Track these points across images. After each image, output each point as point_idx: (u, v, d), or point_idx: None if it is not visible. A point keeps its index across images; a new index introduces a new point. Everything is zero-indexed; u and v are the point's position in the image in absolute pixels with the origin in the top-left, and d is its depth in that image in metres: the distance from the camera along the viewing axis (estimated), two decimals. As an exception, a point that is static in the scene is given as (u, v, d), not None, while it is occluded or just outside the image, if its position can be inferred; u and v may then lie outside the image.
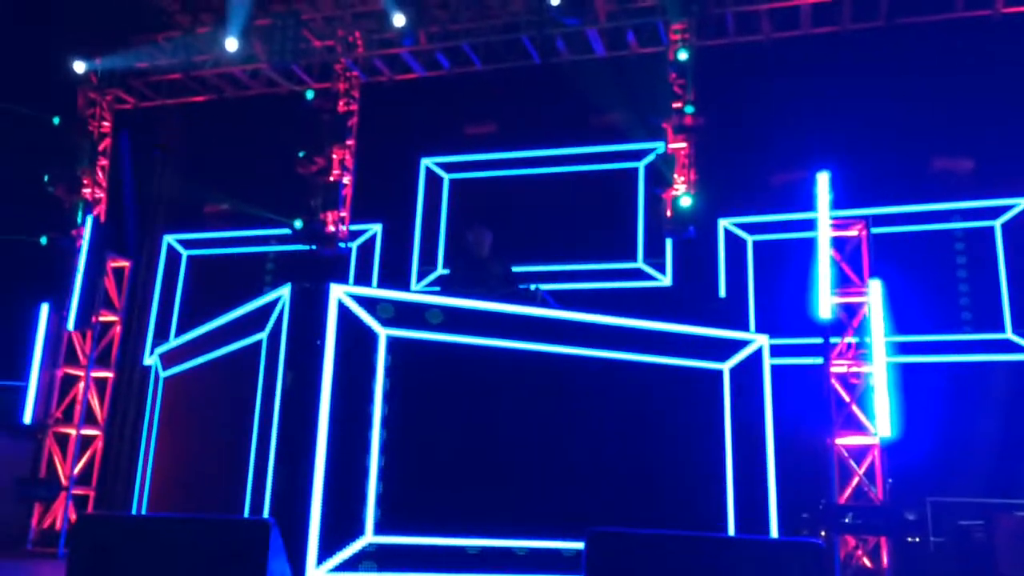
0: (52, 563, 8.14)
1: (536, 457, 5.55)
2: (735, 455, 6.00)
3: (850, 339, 7.29)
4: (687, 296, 9.81)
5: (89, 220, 9.61)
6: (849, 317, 7.33)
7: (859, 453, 7.09)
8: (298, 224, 9.72)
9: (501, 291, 6.20)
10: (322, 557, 4.90)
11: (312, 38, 10.27)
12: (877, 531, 6.74)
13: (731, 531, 5.82)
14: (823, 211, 7.37)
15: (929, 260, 9.18)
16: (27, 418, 9.43)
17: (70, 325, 9.25)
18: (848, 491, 6.99)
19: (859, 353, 7.20)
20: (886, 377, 7.06)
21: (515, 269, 8.78)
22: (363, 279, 10.57)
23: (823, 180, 7.41)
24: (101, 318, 9.60)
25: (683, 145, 8.87)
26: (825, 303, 7.14)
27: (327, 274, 10.28)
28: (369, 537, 5.03)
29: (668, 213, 8.75)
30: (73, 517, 9.05)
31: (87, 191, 10.39)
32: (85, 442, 9.44)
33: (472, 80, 10.44)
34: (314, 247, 9.92)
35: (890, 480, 7.30)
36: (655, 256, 10.05)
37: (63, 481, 9.20)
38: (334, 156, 10.04)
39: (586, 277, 10.12)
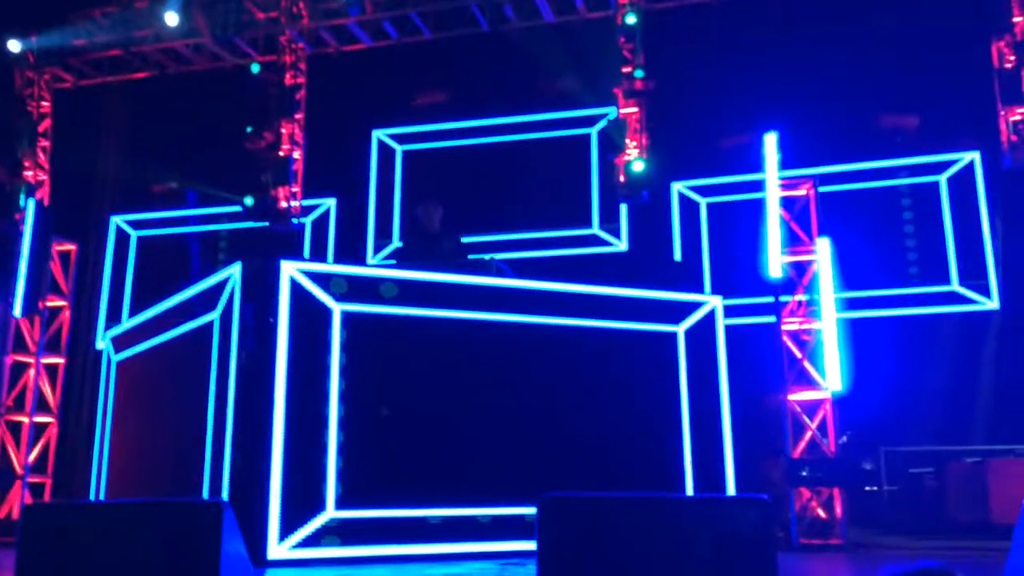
0: (8, 552, 8.02)
1: (495, 425, 5.60)
2: (691, 416, 6.11)
3: (800, 297, 7.42)
4: (643, 260, 9.89)
5: (31, 203, 9.37)
6: (799, 275, 7.45)
7: (812, 408, 7.26)
8: (249, 201, 9.57)
9: (454, 263, 6.20)
10: (284, 534, 4.91)
11: (255, 10, 10.05)
12: (831, 483, 6.93)
13: (689, 490, 5.94)
14: (771, 172, 7.46)
15: (876, 216, 9.36)
16: (-21, 408, 9.25)
17: (16, 311, 9.04)
18: (802, 445, 7.16)
19: (809, 310, 7.34)
20: (835, 332, 7.22)
21: (471, 239, 8.77)
22: (318, 255, 10.48)
23: (771, 141, 7.49)
24: (49, 303, 9.40)
25: (634, 110, 8.89)
26: (775, 262, 7.25)
27: (280, 251, 10.15)
28: (331, 512, 5.05)
29: (621, 178, 8.78)
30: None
31: (29, 174, 10.12)
32: (39, 430, 9.28)
33: (421, 49, 10.32)
34: (266, 224, 9.79)
35: (849, 433, 7.48)
36: (610, 222, 10.10)
37: (18, 470, 9.05)
38: (283, 131, 9.87)
39: (542, 245, 10.15)
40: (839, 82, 9.18)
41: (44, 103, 10.50)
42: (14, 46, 10.28)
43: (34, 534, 2.46)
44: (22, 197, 9.75)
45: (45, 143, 10.42)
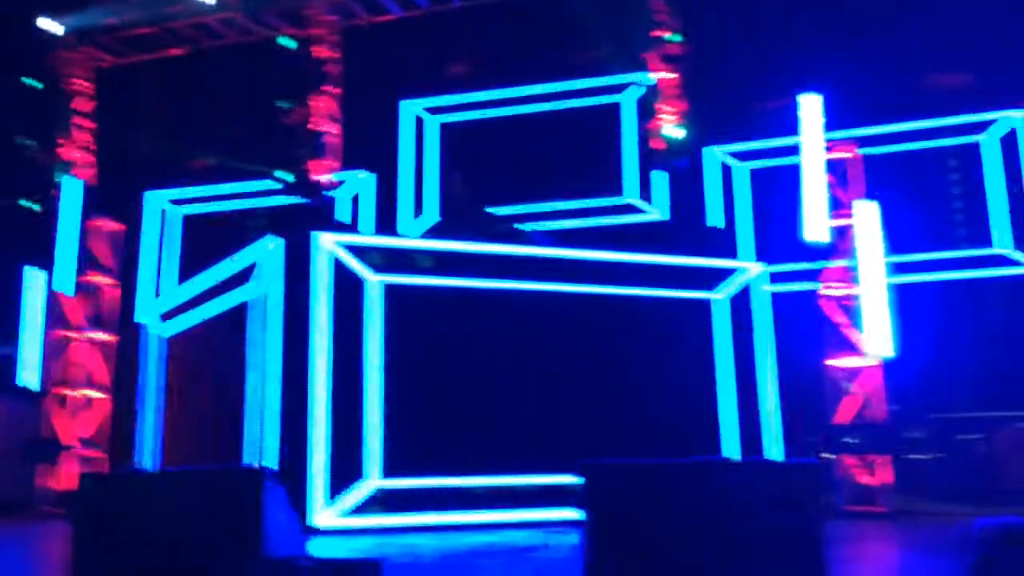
0: (65, 523, 8.24)
1: (535, 394, 5.60)
2: (733, 382, 6.05)
3: (844, 262, 7.27)
4: (679, 228, 9.75)
5: (71, 182, 9.49)
6: (843, 240, 7.30)
7: (856, 374, 7.14)
8: (288, 177, 9.61)
9: (489, 233, 6.18)
10: (329, 503, 4.97)
11: (286, -18, 10.01)
12: (877, 450, 6.83)
13: (733, 455, 5.89)
14: (813, 134, 7.29)
15: (922, 178, 9.11)
16: (25, 381, 9.44)
17: (56, 286, 9.19)
18: (846, 412, 7.06)
19: (853, 275, 7.20)
20: (881, 297, 7.07)
21: (505, 210, 8.71)
22: (354, 227, 10.50)
23: (812, 102, 7.31)
24: (96, 280, 9.55)
25: (670, 75, 8.72)
26: (818, 227, 7.11)
27: (316, 224, 10.18)
28: (374, 481, 5.10)
29: (657, 145, 8.64)
30: (82, 477, 9.14)
31: (75, 155, 10.24)
32: (89, 404, 9.48)
33: (452, 19, 10.20)
34: (302, 198, 9.82)
35: (886, 398, 7.36)
36: (645, 189, 9.96)
37: (67, 441, 9.26)
38: (316, 104, 9.86)
39: (577, 214, 10.05)
40: (883, 42, 8.90)
41: (81, 82, 10.58)
42: (50, 27, 10.36)
43: (87, 502, 2.51)
44: (63, 176, 9.88)
45: (84, 122, 10.52)
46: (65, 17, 10.34)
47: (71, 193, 9.33)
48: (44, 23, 10.25)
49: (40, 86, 10.14)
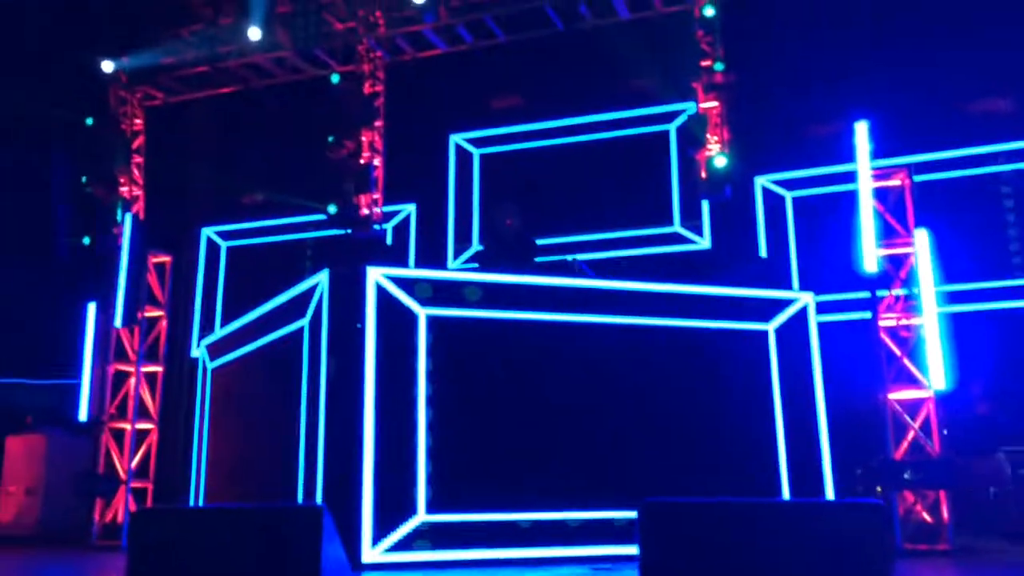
0: (116, 556, 8.34)
1: (583, 427, 5.53)
2: (785, 416, 5.93)
3: (898, 291, 7.12)
4: (727, 257, 9.68)
5: (128, 218, 9.73)
6: (896, 269, 7.15)
7: (913, 407, 6.95)
8: (332, 209, 9.74)
9: (536, 265, 6.17)
10: (377, 538, 4.95)
11: (333, 21, 10.22)
12: (937, 485, 6.62)
13: (785, 493, 5.75)
14: (863, 162, 7.17)
15: (975, 205, 8.94)
16: (82, 416, 9.64)
17: (117, 322, 9.41)
18: (904, 446, 6.86)
19: (908, 305, 7.03)
20: (937, 328, 6.89)
21: (551, 241, 8.71)
22: (399, 260, 10.59)
23: (861, 130, 7.20)
24: (147, 313, 9.75)
25: (714, 104, 8.69)
26: (871, 256, 6.97)
27: (363, 257, 10.31)
28: (422, 516, 5.07)
29: (703, 174, 8.59)
30: (134, 510, 9.26)
31: (124, 189, 10.52)
32: (140, 436, 9.62)
33: (496, 52, 10.32)
34: (349, 231, 9.94)
35: (944, 431, 7.14)
36: (692, 219, 9.92)
37: (121, 475, 9.40)
38: (363, 139, 10.02)
39: (623, 244, 10.03)
40: (930, 66, 8.80)
41: (137, 120, 10.89)
42: (108, 67, 10.70)
43: (142, 538, 2.51)
44: (119, 212, 10.14)
45: (139, 159, 10.81)
46: (124, 58, 10.68)
47: (130, 230, 9.57)
48: (106, 65, 10.60)
49: (99, 125, 10.46)
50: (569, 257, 6.63)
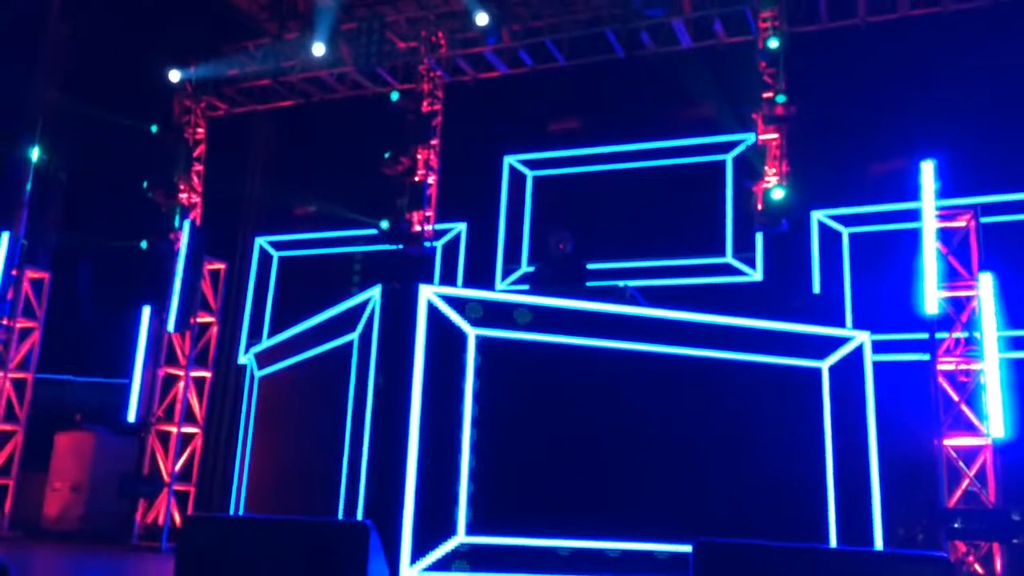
0: (156, 557, 8.43)
1: (627, 457, 5.45)
2: (836, 457, 5.77)
3: (958, 334, 6.93)
4: (779, 291, 9.52)
5: (186, 224, 9.93)
6: (957, 312, 6.96)
7: (969, 455, 6.74)
8: (384, 224, 9.82)
9: (587, 290, 6.12)
10: (415, 557, 4.91)
11: (396, 40, 10.37)
12: (990, 536, 6.39)
13: (832, 536, 5.60)
14: (928, 201, 7.02)
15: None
16: (131, 416, 9.80)
17: (170, 327, 9.58)
18: (958, 494, 6.65)
19: (968, 350, 6.84)
20: (998, 374, 6.69)
21: (602, 266, 8.66)
22: (448, 278, 10.62)
23: (928, 169, 7.05)
24: (199, 319, 9.90)
25: (774, 136, 8.60)
26: (932, 298, 6.80)
27: (413, 274, 10.37)
28: (461, 537, 5.02)
29: (759, 206, 8.49)
30: (175, 513, 9.36)
31: (183, 196, 10.74)
32: (185, 440, 9.75)
33: (556, 76, 10.36)
34: (400, 247, 10.01)
35: (1010, 491, 6.92)
36: (745, 251, 9.79)
37: (165, 478, 9.52)
38: (419, 156, 10.11)
39: (674, 273, 9.93)
40: (998, 106, 8.59)
41: (199, 130, 11.14)
42: (174, 76, 10.98)
43: (192, 543, 2.52)
44: (177, 218, 10.35)
45: (199, 167, 11.04)
46: (191, 69, 10.95)
47: (188, 236, 9.75)
48: (173, 75, 10.87)
49: (163, 133, 10.71)
50: (620, 283, 6.58)
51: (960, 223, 7.16)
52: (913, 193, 7.23)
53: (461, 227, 11.00)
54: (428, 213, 10.11)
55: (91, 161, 11.37)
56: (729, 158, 10.11)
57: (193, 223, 10.14)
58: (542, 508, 5.29)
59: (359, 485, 5.20)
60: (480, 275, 10.58)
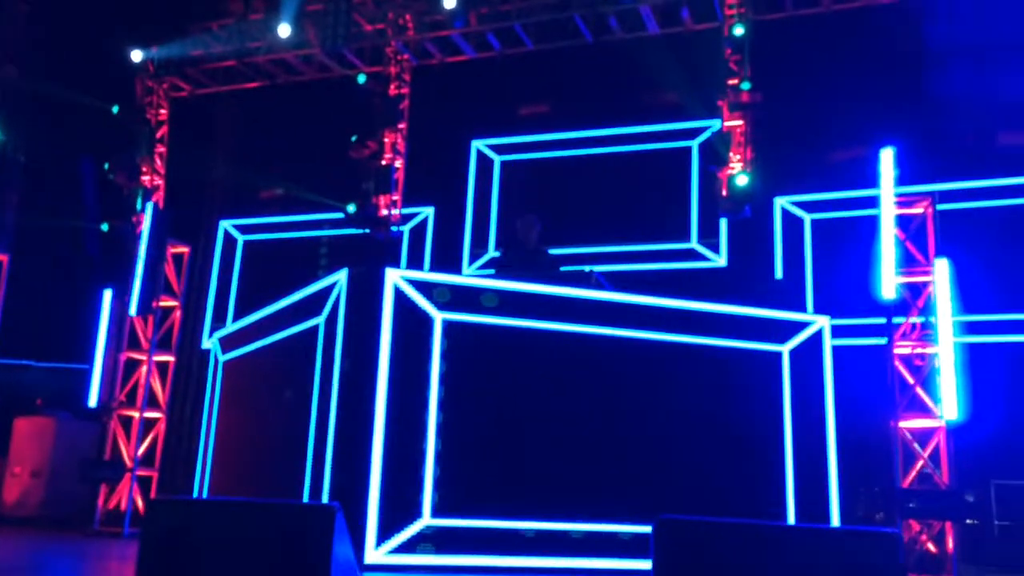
0: (118, 542, 8.37)
1: (591, 439, 5.52)
2: (795, 438, 5.89)
3: (914, 319, 7.09)
4: (742, 277, 9.65)
5: (149, 207, 9.80)
6: (913, 297, 7.12)
7: (923, 436, 6.92)
8: (351, 208, 9.78)
9: (553, 274, 6.16)
10: (381, 539, 4.94)
11: (363, 22, 10.28)
12: (943, 516, 6.58)
13: (791, 515, 5.72)
14: (887, 188, 7.15)
15: (997, 237, 8.88)
16: (92, 401, 9.69)
17: (132, 310, 9.46)
18: (912, 475, 6.82)
19: (924, 334, 7.00)
20: (952, 358, 6.86)
21: (568, 251, 8.71)
22: (415, 262, 10.61)
23: (887, 156, 7.19)
24: (162, 303, 9.80)
25: (739, 122, 8.70)
26: (889, 283, 6.94)
27: (380, 258, 10.35)
28: (427, 520, 5.06)
29: (723, 192, 8.59)
30: (137, 498, 9.29)
31: (146, 178, 10.60)
32: (148, 425, 9.66)
33: (524, 61, 10.36)
34: (367, 231, 9.97)
35: (961, 472, 7.12)
36: (709, 236, 9.90)
37: (127, 463, 9.44)
38: (386, 140, 10.07)
39: (639, 258, 10.02)
40: (958, 96, 8.76)
41: (162, 111, 10.98)
42: (136, 56, 10.80)
43: (156, 526, 2.52)
44: (139, 200, 10.21)
45: (162, 149, 10.89)
46: (153, 49, 10.77)
47: (150, 219, 9.62)
48: (135, 55, 10.69)
49: (124, 114, 10.54)
50: (586, 268, 6.62)
51: (918, 210, 7.31)
52: (873, 180, 7.36)
53: (428, 211, 10.98)
54: (395, 197, 10.08)
55: (51, 142, 11.16)
56: (695, 144, 10.20)
57: (156, 205, 10.01)
58: (507, 490, 5.34)
59: (324, 468, 5.21)
60: (447, 260, 10.59)
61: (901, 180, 7.43)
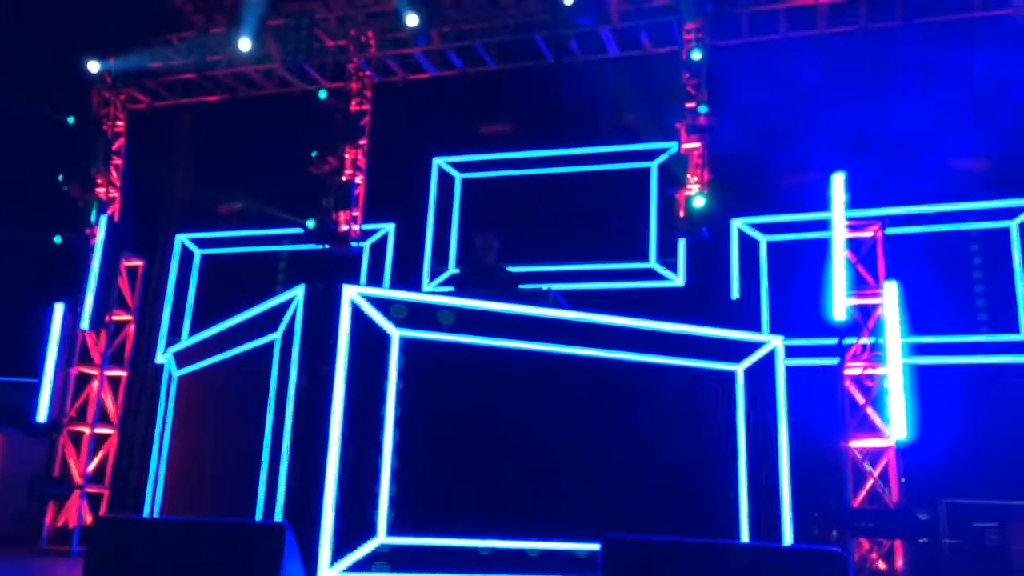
0: (66, 561, 8.18)
1: (548, 458, 5.53)
2: (749, 456, 5.96)
3: (865, 340, 7.24)
4: (699, 297, 9.77)
5: (103, 219, 9.65)
6: (864, 318, 7.27)
7: (874, 456, 7.04)
8: (311, 224, 9.73)
9: (511, 292, 6.18)
10: (335, 558, 4.89)
11: (325, 38, 10.28)
12: (892, 534, 6.70)
13: (744, 534, 5.78)
14: (838, 212, 7.32)
15: (945, 261, 9.11)
16: (41, 416, 9.47)
17: (84, 324, 9.29)
18: (862, 494, 6.94)
19: (874, 355, 7.15)
20: (901, 379, 7.01)
21: (527, 269, 8.75)
22: (375, 279, 10.57)
23: (838, 181, 7.36)
24: (115, 317, 9.63)
25: (696, 145, 8.84)
26: (840, 304, 7.09)
27: (339, 274, 10.29)
28: (381, 538, 5.02)
29: (681, 213, 8.71)
30: (87, 516, 9.09)
31: (101, 190, 10.44)
32: (99, 441, 9.47)
33: (485, 80, 10.43)
34: (326, 246, 9.92)
35: (902, 479, 7.24)
36: (667, 256, 10.01)
37: (76, 480, 9.23)
38: (347, 156, 10.04)
39: (598, 277, 10.09)
40: (908, 123, 9.00)
41: (119, 123, 10.84)
42: (93, 67, 10.66)
43: (101, 545, 2.49)
44: (94, 213, 10.05)
45: (118, 161, 10.74)
46: (111, 60, 10.64)
47: (104, 231, 9.47)
48: (92, 66, 10.55)
49: (80, 125, 10.38)
50: (544, 286, 6.65)
51: (868, 233, 7.48)
52: (825, 204, 7.52)
53: (389, 228, 10.95)
54: (355, 213, 10.05)
55: (3, 152, 10.94)
56: (654, 165, 10.33)
57: (110, 218, 9.86)
58: (463, 508, 5.33)
59: (278, 486, 5.16)
60: (408, 276, 10.56)
61: (852, 204, 7.61)
